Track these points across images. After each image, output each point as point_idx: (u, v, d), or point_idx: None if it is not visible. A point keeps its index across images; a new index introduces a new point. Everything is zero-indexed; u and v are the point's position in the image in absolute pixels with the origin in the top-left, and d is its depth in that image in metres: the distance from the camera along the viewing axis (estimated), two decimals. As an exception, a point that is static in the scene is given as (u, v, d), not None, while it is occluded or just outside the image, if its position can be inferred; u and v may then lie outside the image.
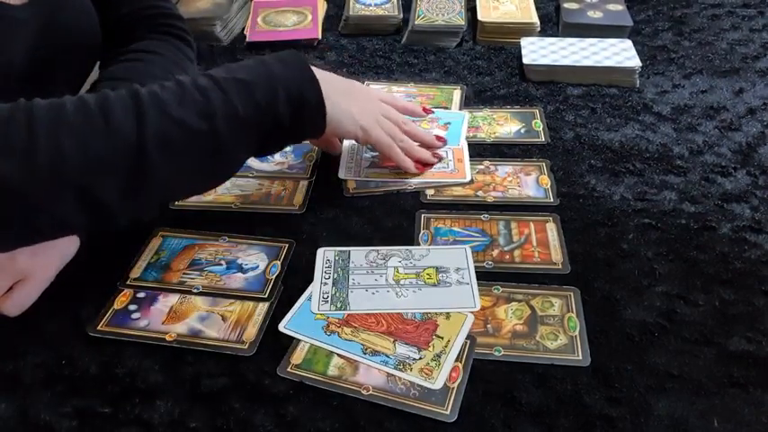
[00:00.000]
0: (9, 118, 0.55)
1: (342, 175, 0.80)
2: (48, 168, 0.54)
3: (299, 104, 0.66)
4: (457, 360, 0.58)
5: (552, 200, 0.76)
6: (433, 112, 0.87)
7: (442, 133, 0.86)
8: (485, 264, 0.68)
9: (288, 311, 0.63)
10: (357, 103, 0.73)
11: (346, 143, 0.84)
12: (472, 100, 0.94)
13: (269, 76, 0.65)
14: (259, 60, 0.67)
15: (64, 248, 0.64)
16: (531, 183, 0.78)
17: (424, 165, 0.80)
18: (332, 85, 0.69)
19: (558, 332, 0.60)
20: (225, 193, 0.77)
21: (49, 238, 0.60)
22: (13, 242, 0.58)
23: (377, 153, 0.81)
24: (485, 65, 1.03)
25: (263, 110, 0.64)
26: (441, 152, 0.82)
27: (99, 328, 0.61)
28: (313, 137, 0.73)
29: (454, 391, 0.55)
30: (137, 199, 0.59)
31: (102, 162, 0.56)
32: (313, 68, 0.68)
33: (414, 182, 0.78)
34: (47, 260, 0.63)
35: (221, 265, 0.68)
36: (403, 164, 0.78)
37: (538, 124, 0.88)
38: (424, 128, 0.87)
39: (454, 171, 0.79)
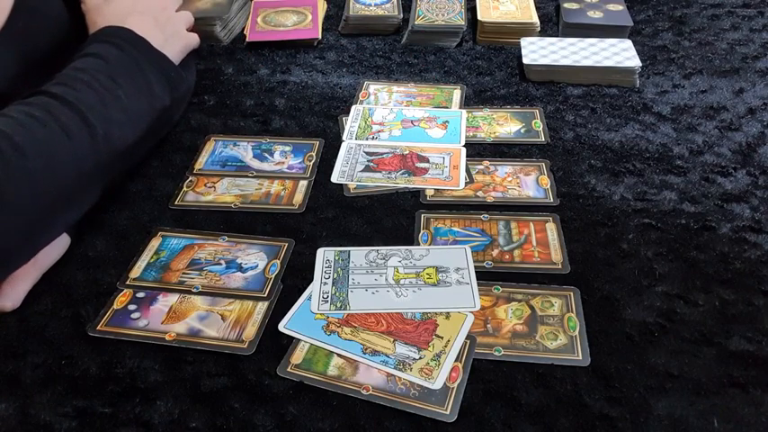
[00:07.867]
0: None
1: (335, 179, 0.79)
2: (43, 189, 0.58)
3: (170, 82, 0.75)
4: (457, 360, 0.58)
5: (552, 200, 0.76)
6: None
7: (441, 132, 0.86)
8: (485, 264, 0.68)
9: (288, 311, 0.63)
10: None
11: (343, 147, 0.84)
12: (472, 100, 0.94)
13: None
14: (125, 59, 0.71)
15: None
16: (530, 183, 0.78)
17: None
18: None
19: (557, 332, 0.60)
20: (225, 192, 0.77)
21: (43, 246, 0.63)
22: (14, 265, 0.61)
23: (372, 157, 0.81)
24: (485, 65, 1.02)
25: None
26: (437, 158, 0.82)
27: (99, 328, 0.61)
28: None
29: (454, 391, 0.55)
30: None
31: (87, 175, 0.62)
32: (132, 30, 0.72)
33: (407, 188, 0.78)
34: None
35: (221, 264, 0.68)
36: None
37: (538, 124, 0.88)
38: (423, 127, 0.87)
39: (449, 178, 0.79)
